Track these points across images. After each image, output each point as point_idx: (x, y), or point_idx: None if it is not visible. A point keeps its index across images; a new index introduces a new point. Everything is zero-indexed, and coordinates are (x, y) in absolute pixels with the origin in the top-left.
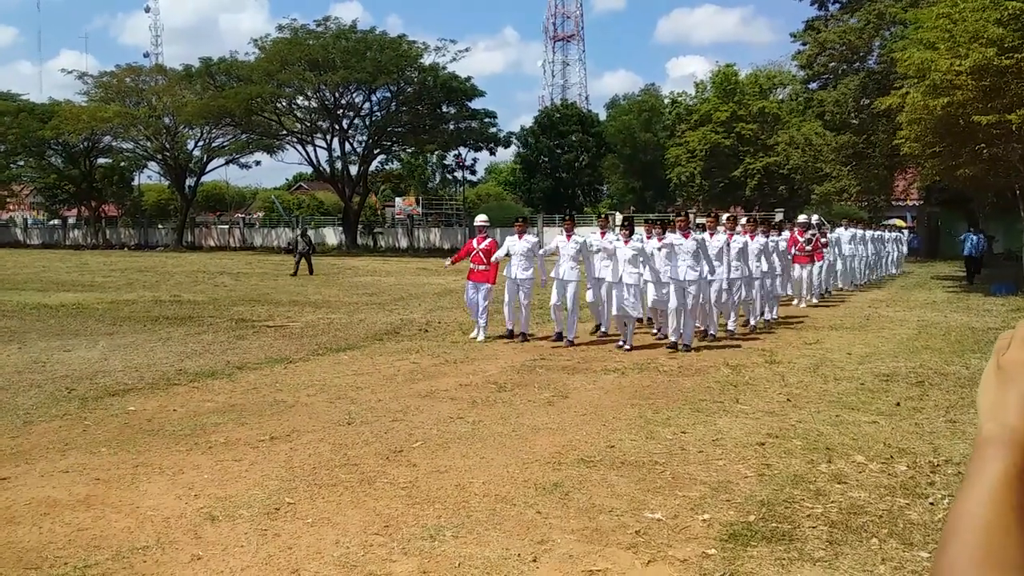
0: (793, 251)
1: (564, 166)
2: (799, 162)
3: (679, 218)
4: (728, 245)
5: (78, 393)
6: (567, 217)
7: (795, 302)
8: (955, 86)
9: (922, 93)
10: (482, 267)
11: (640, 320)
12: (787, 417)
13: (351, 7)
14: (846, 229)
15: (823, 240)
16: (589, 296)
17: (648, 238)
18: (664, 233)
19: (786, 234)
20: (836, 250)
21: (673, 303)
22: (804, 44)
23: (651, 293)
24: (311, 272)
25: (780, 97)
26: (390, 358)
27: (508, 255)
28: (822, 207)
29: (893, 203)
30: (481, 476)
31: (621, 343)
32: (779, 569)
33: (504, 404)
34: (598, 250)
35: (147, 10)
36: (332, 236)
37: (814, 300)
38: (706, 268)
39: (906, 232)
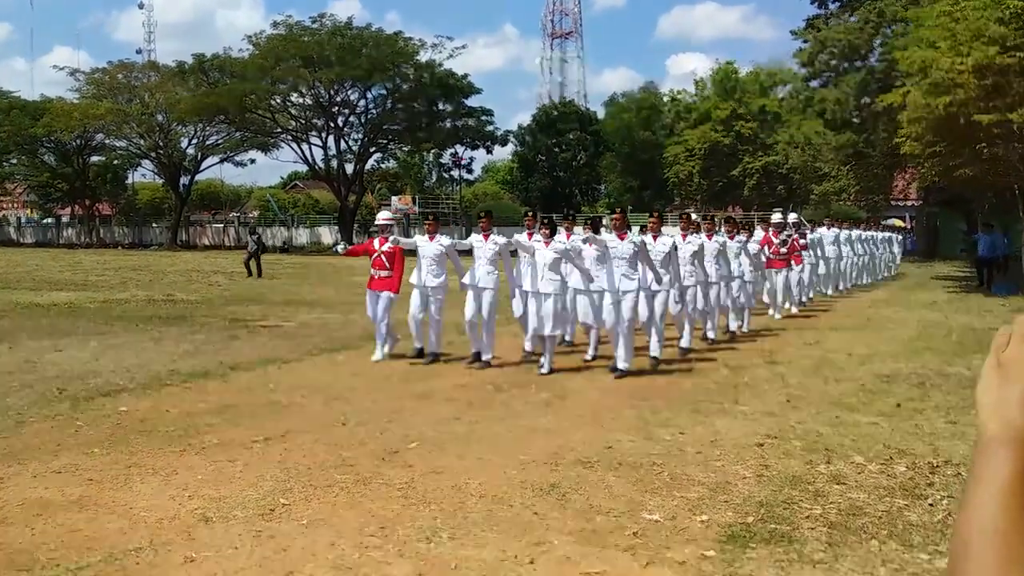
0: (766, 254)
1: (562, 165)
2: (798, 162)
3: (614, 215)
4: (675, 249)
5: (70, 393)
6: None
7: (770, 311)
8: (956, 85)
9: (923, 92)
10: (384, 273)
11: (562, 339)
12: (786, 418)
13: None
14: (829, 229)
15: (802, 242)
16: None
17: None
18: (598, 232)
19: (759, 234)
20: (819, 251)
21: (609, 320)
22: (805, 42)
23: (580, 306)
24: (260, 275)
25: (780, 95)
26: (386, 359)
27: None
28: (821, 206)
29: (892, 203)
30: (478, 477)
31: (540, 366)
32: (778, 571)
33: (501, 405)
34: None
35: (141, 6)
36: (328, 235)
37: (793, 309)
38: (650, 276)
39: (897, 234)
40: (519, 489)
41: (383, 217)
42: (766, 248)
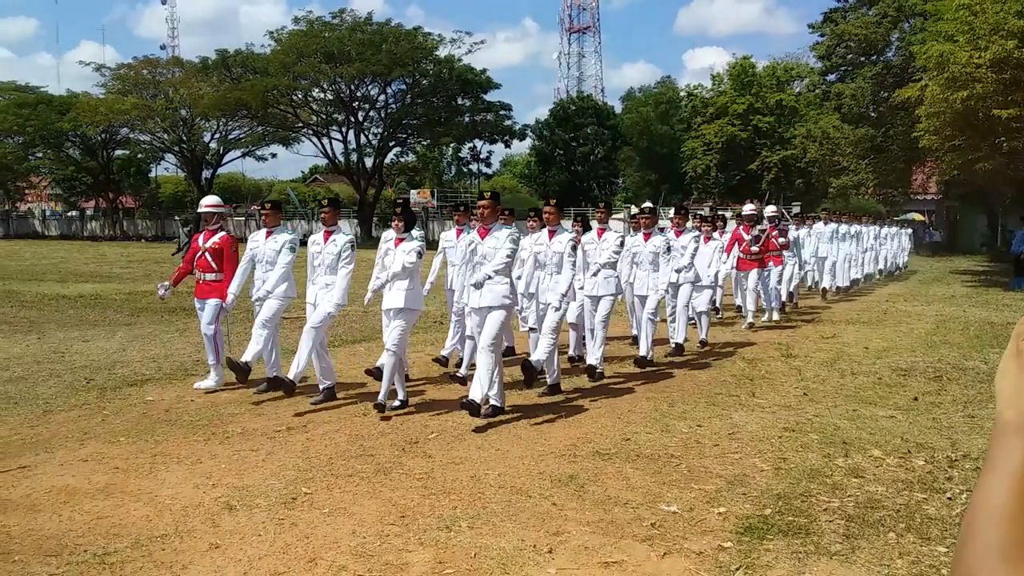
0: (735, 253)
1: (579, 159)
2: (816, 155)
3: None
4: (621, 246)
5: (97, 383)
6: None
7: (745, 322)
8: (975, 79)
9: (941, 86)
10: (210, 276)
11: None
12: (804, 411)
13: None
14: (825, 224)
15: (781, 240)
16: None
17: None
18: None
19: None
20: (810, 248)
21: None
22: (822, 35)
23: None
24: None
25: (797, 89)
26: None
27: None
28: (839, 200)
29: (911, 197)
30: (497, 468)
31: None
32: (795, 562)
33: (520, 396)
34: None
35: (163, 2)
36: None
37: (775, 316)
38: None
39: (907, 229)
40: (537, 480)
41: (208, 203)
42: (735, 247)
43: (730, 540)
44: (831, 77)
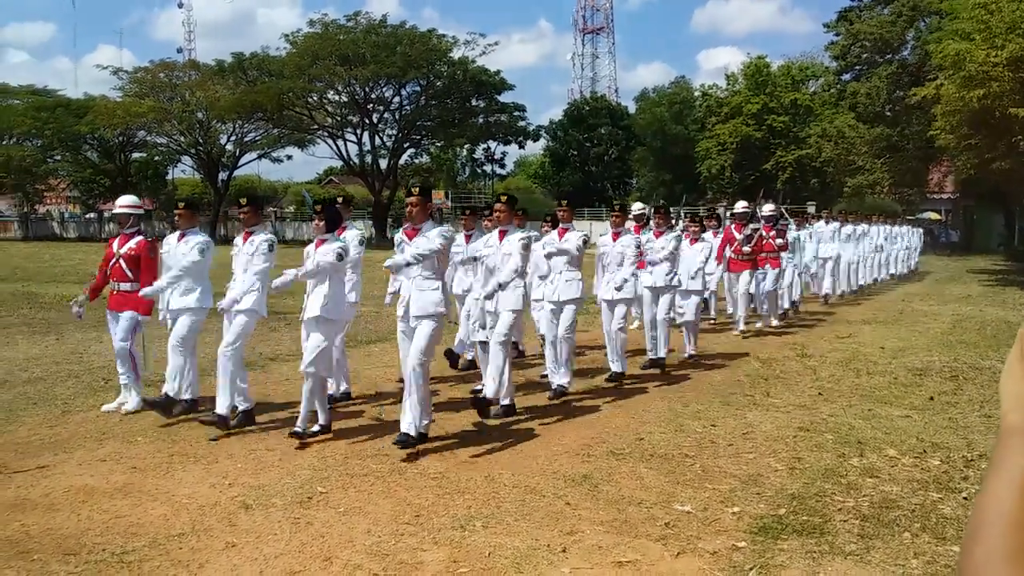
0: (727, 254)
1: (593, 159)
2: (831, 155)
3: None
4: (584, 244)
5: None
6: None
7: (735, 329)
8: (991, 78)
9: (957, 85)
10: (125, 286)
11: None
12: (818, 411)
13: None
14: (828, 223)
15: (779, 241)
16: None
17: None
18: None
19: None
20: (811, 251)
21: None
22: (837, 34)
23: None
24: None
25: (812, 89)
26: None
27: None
28: (854, 200)
29: (928, 196)
30: (511, 467)
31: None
32: (810, 562)
33: (534, 396)
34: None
35: (180, 5)
36: (363, 229)
37: (774, 322)
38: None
39: (918, 228)
40: (551, 479)
41: (123, 203)
42: (727, 248)
43: (744, 540)
44: (846, 76)
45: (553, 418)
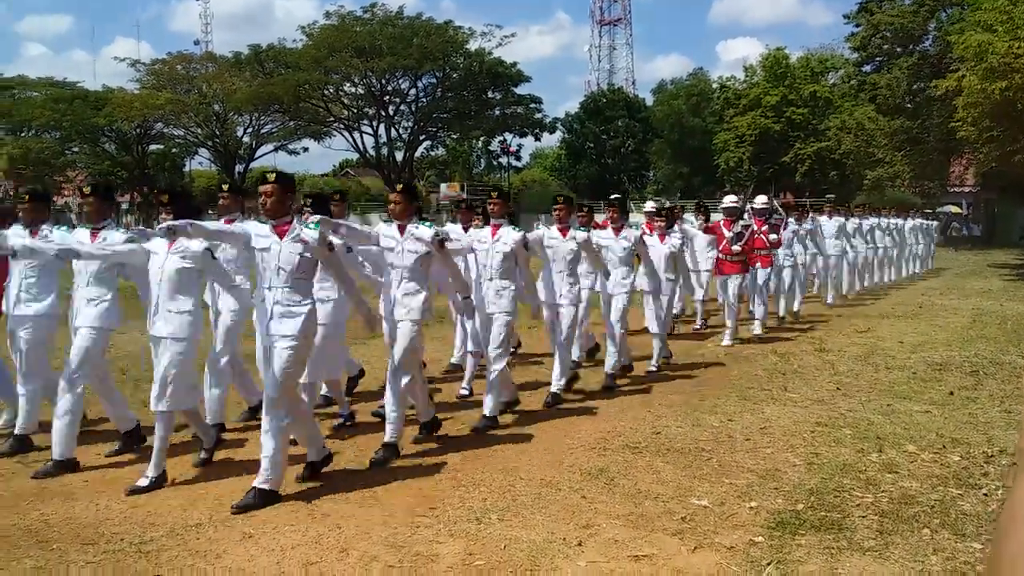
0: (715, 253)
1: (610, 152)
2: (851, 147)
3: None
4: (525, 245)
5: (132, 375)
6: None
7: (725, 337)
8: (1014, 69)
9: (979, 76)
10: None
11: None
12: (837, 406)
13: None
14: (831, 218)
15: (772, 237)
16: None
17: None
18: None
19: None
20: (814, 246)
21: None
22: (857, 25)
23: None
24: None
25: (832, 81)
26: (433, 343)
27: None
28: (874, 193)
29: (948, 189)
30: (527, 460)
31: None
32: (827, 558)
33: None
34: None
35: None
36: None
37: (756, 329)
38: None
39: (933, 222)
40: (567, 473)
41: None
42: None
43: (761, 535)
44: (866, 68)
45: (569, 411)
